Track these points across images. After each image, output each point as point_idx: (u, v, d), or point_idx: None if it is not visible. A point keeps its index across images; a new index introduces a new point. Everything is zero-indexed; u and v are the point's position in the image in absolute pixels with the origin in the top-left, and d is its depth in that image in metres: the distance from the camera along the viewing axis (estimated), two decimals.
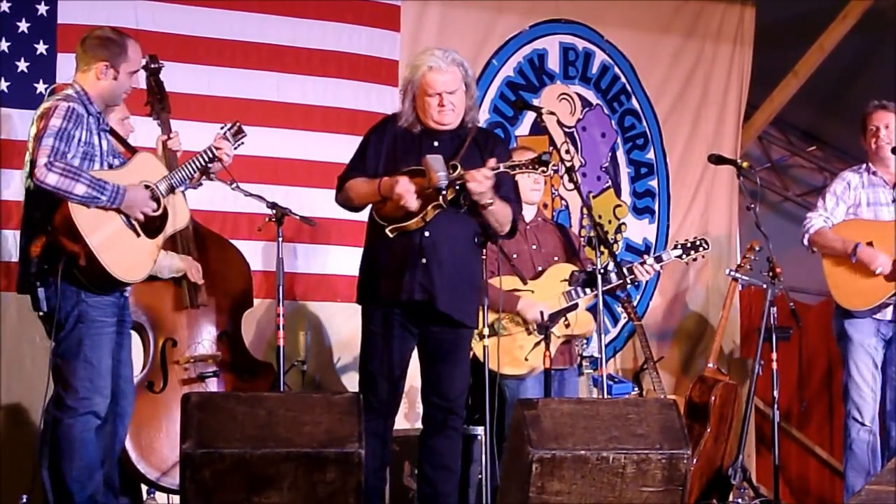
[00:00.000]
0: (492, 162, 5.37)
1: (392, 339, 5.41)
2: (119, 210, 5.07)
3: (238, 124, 5.61)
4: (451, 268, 5.41)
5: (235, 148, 5.59)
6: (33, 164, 4.98)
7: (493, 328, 5.71)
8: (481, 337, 5.64)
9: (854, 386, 6.57)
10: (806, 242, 6.65)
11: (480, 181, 5.27)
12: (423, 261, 5.36)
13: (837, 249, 6.58)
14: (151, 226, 5.21)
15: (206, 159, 5.43)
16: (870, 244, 6.53)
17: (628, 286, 6.82)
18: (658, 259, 6.55)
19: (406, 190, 5.26)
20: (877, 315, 6.57)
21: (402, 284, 5.36)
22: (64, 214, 4.99)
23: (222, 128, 5.58)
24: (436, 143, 5.42)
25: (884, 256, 6.49)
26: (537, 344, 6.20)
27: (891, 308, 6.56)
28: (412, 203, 5.28)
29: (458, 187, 5.32)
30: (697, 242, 6.61)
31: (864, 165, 6.77)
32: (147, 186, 5.22)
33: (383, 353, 5.41)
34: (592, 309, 6.49)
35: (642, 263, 6.42)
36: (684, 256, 6.60)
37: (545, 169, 5.44)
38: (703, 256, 6.72)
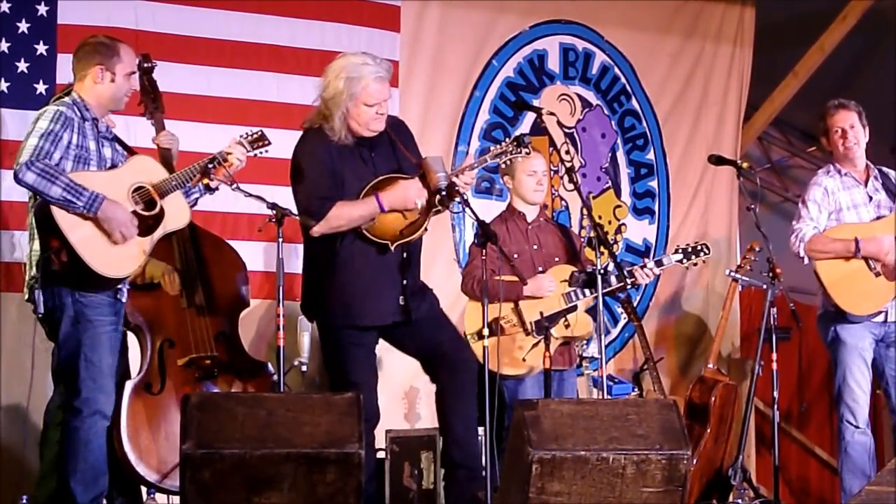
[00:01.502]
0: (469, 158, 5.43)
1: (369, 348, 5.49)
2: (96, 219, 5.06)
3: (260, 132, 5.59)
4: (417, 272, 5.55)
5: (256, 155, 5.57)
6: (16, 161, 5.02)
7: (492, 328, 5.71)
8: (480, 337, 5.66)
9: (847, 389, 6.54)
10: (802, 252, 6.57)
11: (470, 182, 5.37)
12: (405, 282, 5.41)
13: (838, 251, 6.52)
14: (144, 225, 5.21)
15: (209, 162, 5.42)
16: None
17: (628, 288, 6.81)
18: (659, 263, 6.55)
19: (419, 190, 5.30)
20: (873, 318, 6.56)
21: (388, 307, 5.43)
22: (45, 212, 5.02)
23: (241, 135, 5.57)
24: (373, 154, 5.45)
25: (889, 240, 6.46)
26: (535, 344, 6.21)
27: (886, 311, 6.55)
28: (423, 202, 5.32)
29: (457, 188, 5.35)
30: (699, 247, 6.61)
31: (832, 167, 6.70)
32: (140, 188, 5.22)
33: (364, 363, 5.46)
34: (592, 310, 6.49)
35: (643, 266, 6.42)
36: (685, 261, 6.60)
37: (528, 150, 5.50)
38: (703, 262, 6.72)
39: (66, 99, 5.23)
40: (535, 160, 6.42)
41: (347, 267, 5.42)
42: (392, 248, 5.35)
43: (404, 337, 5.57)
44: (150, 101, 6.03)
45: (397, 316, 5.43)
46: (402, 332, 5.55)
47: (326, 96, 5.41)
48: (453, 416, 5.51)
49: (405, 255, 5.42)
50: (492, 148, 5.63)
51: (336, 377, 5.50)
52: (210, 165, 5.40)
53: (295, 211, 5.96)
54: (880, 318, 6.54)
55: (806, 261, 6.62)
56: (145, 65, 6.05)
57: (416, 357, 5.64)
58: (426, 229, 5.39)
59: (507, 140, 5.60)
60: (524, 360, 6.23)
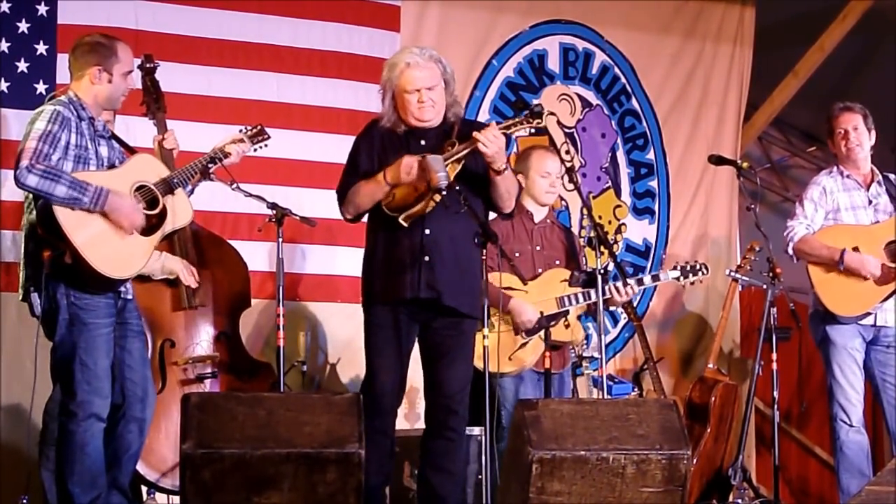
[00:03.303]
0: (492, 124, 5.41)
1: (396, 332, 5.39)
2: (104, 214, 5.04)
3: (259, 126, 5.58)
4: (454, 263, 5.41)
5: (255, 150, 5.57)
6: (16, 165, 4.99)
7: (483, 324, 5.66)
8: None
9: (839, 389, 6.55)
10: (790, 251, 6.60)
11: (491, 140, 5.28)
12: (426, 258, 5.36)
13: (824, 257, 6.53)
14: (147, 224, 5.19)
15: (210, 159, 5.41)
16: (856, 249, 6.51)
17: (621, 304, 6.81)
18: (655, 278, 6.55)
19: (409, 164, 5.27)
20: (861, 321, 6.56)
21: (405, 282, 5.35)
22: (48, 214, 4.98)
23: (241, 130, 5.55)
24: (422, 142, 5.42)
25: (873, 261, 6.47)
26: (522, 345, 6.22)
27: (874, 314, 6.55)
28: (410, 177, 5.27)
29: (458, 188, 5.34)
30: (697, 266, 6.62)
31: (835, 168, 6.71)
32: (143, 186, 5.20)
33: (388, 347, 5.39)
34: (591, 312, 6.49)
35: (625, 284, 6.32)
36: (682, 279, 6.60)
37: (540, 120, 5.47)
38: (700, 281, 6.73)
39: (63, 98, 5.19)
40: (549, 161, 6.42)
41: (374, 247, 5.44)
42: (401, 221, 5.32)
43: (424, 346, 5.49)
44: (153, 102, 6.03)
45: (416, 292, 5.34)
46: (425, 338, 5.47)
47: (380, 86, 5.50)
48: (426, 478, 5.50)
49: (427, 232, 5.37)
50: (506, 119, 5.58)
51: (366, 363, 5.48)
52: (210, 164, 5.40)
53: (295, 211, 5.97)
54: (868, 320, 6.55)
55: (795, 260, 6.64)
56: (148, 65, 6.06)
57: (425, 372, 5.55)
58: (435, 203, 5.33)
59: (523, 113, 5.56)
60: (510, 358, 6.22)
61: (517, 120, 5.47)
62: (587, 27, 8.36)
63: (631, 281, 6.42)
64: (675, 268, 6.64)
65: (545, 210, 6.54)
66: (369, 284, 5.47)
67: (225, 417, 4.66)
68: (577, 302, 6.31)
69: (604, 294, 6.20)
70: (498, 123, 5.46)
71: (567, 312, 6.31)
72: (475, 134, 5.30)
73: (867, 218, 6.61)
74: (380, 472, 5.41)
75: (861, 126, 6.62)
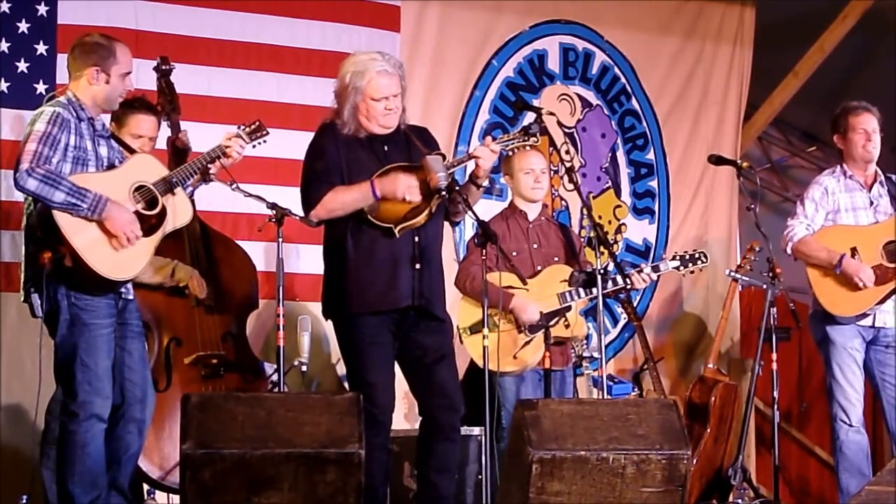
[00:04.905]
0: (488, 139, 5.45)
1: (386, 347, 5.40)
2: (100, 222, 5.03)
3: (258, 122, 5.58)
4: (437, 269, 5.48)
5: (254, 146, 5.57)
6: (16, 168, 4.99)
7: (483, 324, 5.67)
8: (472, 332, 5.64)
9: (839, 388, 6.55)
10: (789, 251, 6.61)
11: (490, 155, 5.35)
12: (418, 266, 5.37)
13: (822, 259, 6.52)
14: (146, 224, 5.19)
15: (209, 158, 5.41)
16: (853, 250, 6.50)
17: (623, 294, 6.80)
18: (656, 268, 6.54)
19: (410, 185, 5.28)
20: (860, 322, 6.56)
21: (402, 291, 5.35)
22: (47, 217, 4.99)
23: (239, 126, 5.57)
24: (386, 148, 5.44)
25: (869, 272, 6.46)
26: (526, 343, 6.22)
27: (872, 315, 6.55)
28: (416, 197, 5.29)
29: (457, 188, 5.35)
30: (696, 255, 6.59)
31: (838, 168, 6.69)
32: (142, 186, 5.20)
33: (381, 362, 5.38)
34: (591, 311, 6.48)
35: (639, 271, 6.40)
36: (682, 268, 6.57)
37: (536, 139, 5.50)
38: (700, 270, 6.71)
39: (62, 98, 5.19)
40: (531, 157, 6.43)
41: (358, 256, 5.38)
42: (396, 232, 5.32)
43: (408, 351, 5.47)
44: (167, 103, 6.06)
45: (410, 300, 5.35)
46: (409, 342, 5.46)
47: (337, 92, 5.47)
48: (430, 480, 5.48)
49: (416, 239, 5.37)
50: (500, 136, 5.63)
51: (353, 377, 5.46)
52: (210, 164, 5.40)
53: (295, 211, 5.97)
54: (867, 321, 6.55)
55: (794, 259, 6.64)
56: (164, 67, 6.11)
57: (407, 379, 5.55)
58: (432, 213, 5.35)
59: (515, 130, 5.61)
60: (515, 357, 6.22)
61: (512, 137, 5.53)
62: (587, 27, 8.37)
63: (647, 268, 6.43)
64: (674, 257, 6.63)
65: (538, 207, 6.54)
66: (350, 295, 5.39)
67: (225, 417, 4.67)
68: (579, 297, 6.31)
69: (616, 284, 6.24)
70: (493, 139, 5.51)
71: (569, 308, 6.31)
72: (477, 149, 5.38)
73: (867, 219, 6.61)
74: (384, 487, 5.44)
75: (877, 129, 6.61)
